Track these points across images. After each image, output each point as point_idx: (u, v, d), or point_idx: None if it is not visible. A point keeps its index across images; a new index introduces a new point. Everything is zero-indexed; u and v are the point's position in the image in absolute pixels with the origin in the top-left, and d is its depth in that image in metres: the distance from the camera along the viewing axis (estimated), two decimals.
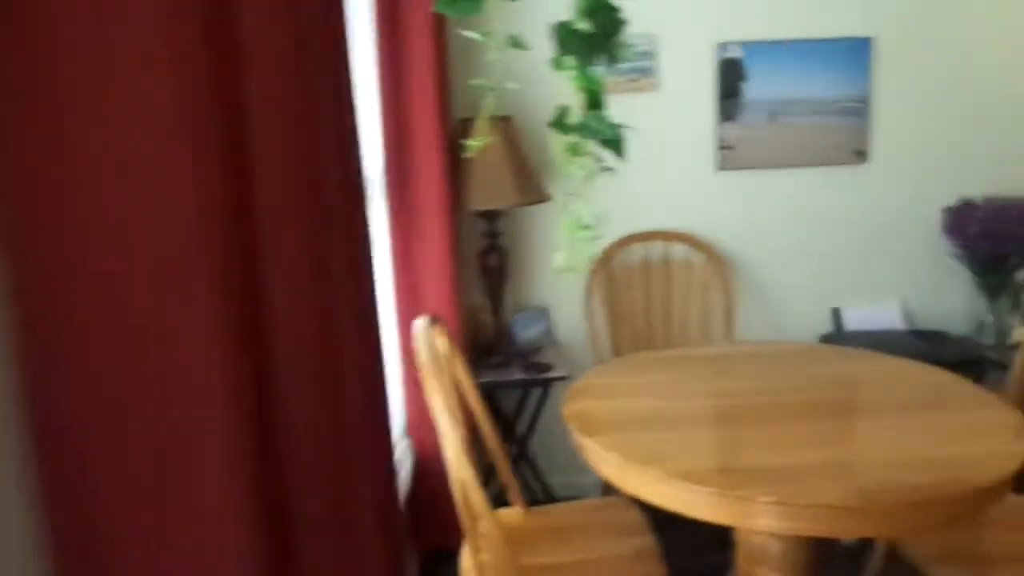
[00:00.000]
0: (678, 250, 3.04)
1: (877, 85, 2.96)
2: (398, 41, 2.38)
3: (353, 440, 1.24)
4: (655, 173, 2.99)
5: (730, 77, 2.93)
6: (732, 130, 2.96)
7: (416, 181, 2.47)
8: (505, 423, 3.06)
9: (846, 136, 2.98)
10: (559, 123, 1.49)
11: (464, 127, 2.65)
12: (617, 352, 3.01)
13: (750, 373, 2.06)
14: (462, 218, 2.91)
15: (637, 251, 3.04)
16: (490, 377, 2.70)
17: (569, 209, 1.59)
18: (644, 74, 2.91)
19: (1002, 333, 2.95)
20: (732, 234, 3.05)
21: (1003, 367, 2.78)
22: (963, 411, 1.78)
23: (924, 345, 2.85)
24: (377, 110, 2.38)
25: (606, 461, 1.66)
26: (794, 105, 2.94)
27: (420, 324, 1.84)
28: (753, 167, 2.99)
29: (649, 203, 3.01)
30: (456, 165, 2.65)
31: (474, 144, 1.47)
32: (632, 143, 2.94)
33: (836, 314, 3.11)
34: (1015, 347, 2.81)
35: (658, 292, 3.06)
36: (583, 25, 1.48)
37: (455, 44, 2.66)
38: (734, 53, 2.91)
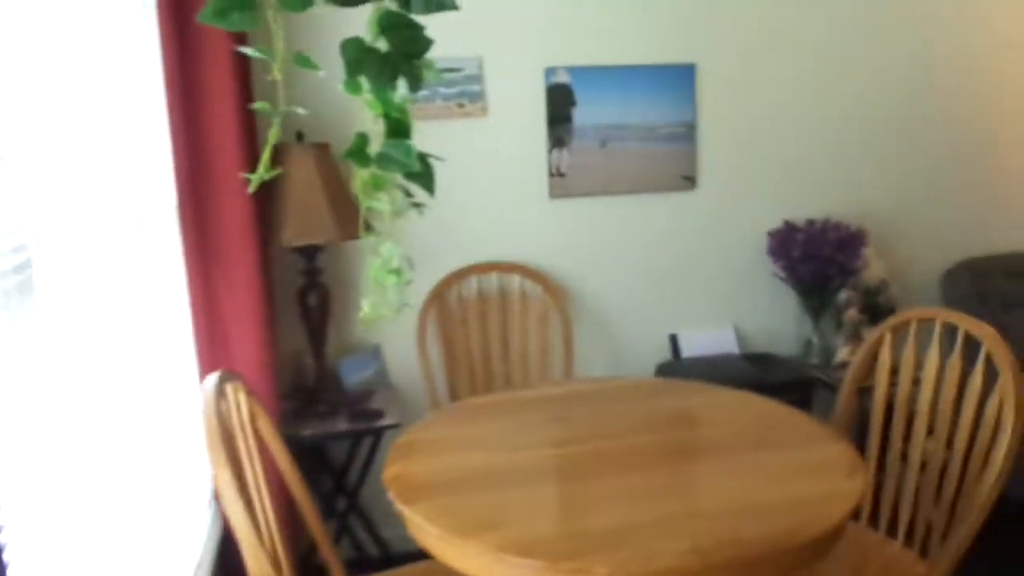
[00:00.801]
0: (514, 281, 2.92)
1: (702, 111, 2.98)
2: (190, 56, 2.10)
3: None
4: (487, 202, 2.85)
5: (559, 102, 2.85)
6: (563, 157, 2.88)
7: (218, 216, 2.19)
8: (335, 474, 2.80)
9: (675, 162, 2.97)
10: (356, 153, 1.30)
11: (280, 155, 2.41)
12: (454, 393, 2.84)
13: (586, 416, 1.94)
14: (276, 255, 2.64)
15: (471, 284, 2.89)
16: (313, 429, 2.44)
17: (376, 251, 1.40)
18: (472, 99, 2.77)
19: (827, 353, 3.02)
20: (567, 263, 2.96)
21: (831, 387, 2.84)
22: (796, 447, 1.73)
23: (756, 369, 2.87)
24: (167, 135, 2.09)
25: (425, 531, 1.47)
26: (623, 131, 2.91)
27: (209, 385, 1.57)
28: (586, 194, 2.92)
29: (482, 233, 2.87)
30: (268, 198, 2.40)
31: (253, 177, 1.26)
32: (462, 171, 2.80)
33: (673, 340, 3.09)
34: (841, 367, 2.88)
35: (495, 326, 2.92)
36: (379, 44, 1.30)
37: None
38: (562, 78, 2.83)
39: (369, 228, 2.39)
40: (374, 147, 1.36)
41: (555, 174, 2.89)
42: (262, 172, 1.27)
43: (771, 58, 3.00)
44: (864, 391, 2.28)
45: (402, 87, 1.29)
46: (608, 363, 3.07)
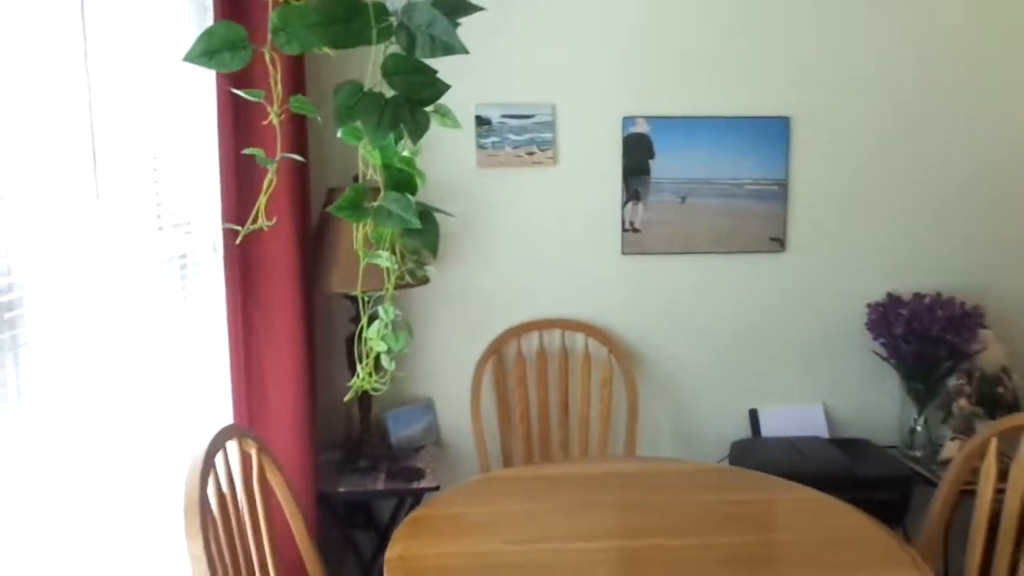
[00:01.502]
0: (578, 341, 2.73)
1: (796, 168, 2.72)
2: (243, 100, 2.07)
3: None
4: (554, 255, 2.69)
5: (637, 153, 2.67)
6: (639, 211, 2.69)
7: (262, 261, 2.14)
8: (379, 532, 2.67)
9: (762, 221, 2.72)
10: (349, 207, 1.18)
11: (332, 197, 2.35)
12: (507, 456, 2.66)
13: (627, 505, 1.73)
14: (326, 301, 2.57)
15: (533, 340, 2.72)
16: (349, 486, 2.33)
17: (376, 315, 1.27)
18: (543, 147, 2.64)
19: (933, 445, 2.65)
20: (637, 325, 2.75)
21: (933, 484, 2.47)
22: (866, 570, 1.45)
23: (846, 457, 2.54)
24: (217, 178, 2.06)
25: None
26: (706, 186, 2.69)
27: (199, 449, 1.47)
28: (661, 252, 2.71)
29: (547, 287, 2.71)
30: (318, 243, 2.34)
31: (241, 230, 1.16)
32: (529, 221, 2.67)
33: (753, 416, 2.80)
34: (947, 463, 2.51)
35: (556, 388, 2.73)
36: (384, 88, 1.18)
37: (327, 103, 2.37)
38: (641, 128, 2.66)
39: (424, 279, 2.29)
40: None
41: (629, 229, 2.70)
42: (249, 225, 1.17)
43: (876, 111, 2.72)
44: (968, 494, 1.95)
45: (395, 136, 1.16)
46: (679, 436, 2.82)
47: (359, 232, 1.25)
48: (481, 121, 2.60)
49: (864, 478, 2.48)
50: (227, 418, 2.13)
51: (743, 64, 2.66)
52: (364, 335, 1.26)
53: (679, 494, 1.77)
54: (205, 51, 1.12)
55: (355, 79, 1.17)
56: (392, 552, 1.53)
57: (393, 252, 1.27)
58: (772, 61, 2.66)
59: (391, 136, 1.20)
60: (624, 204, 2.69)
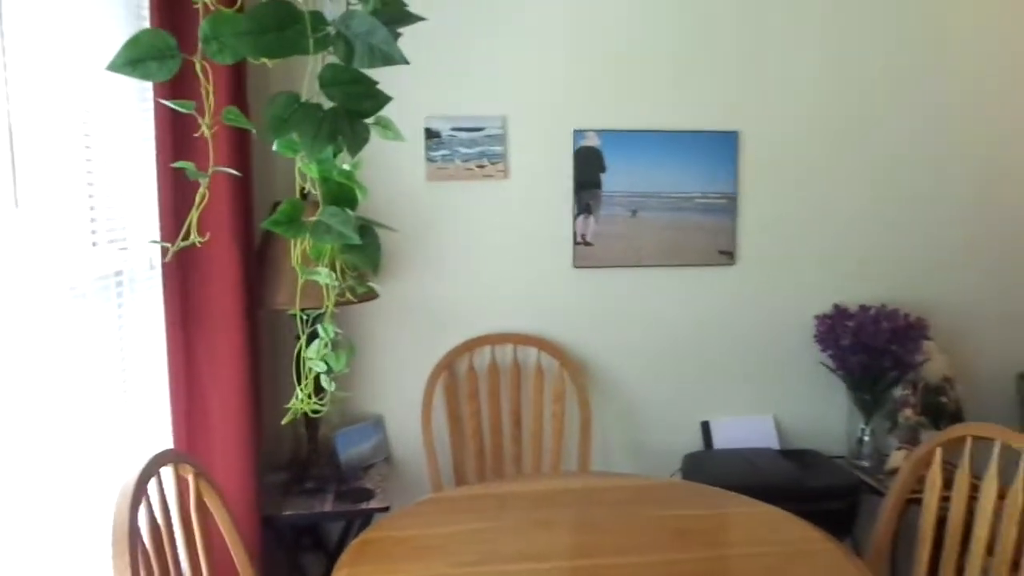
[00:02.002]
0: (530, 355, 2.71)
1: (744, 181, 2.74)
2: (181, 115, 2.01)
3: None
4: (505, 268, 2.67)
5: (588, 167, 2.67)
6: (590, 224, 2.68)
7: (203, 276, 2.07)
8: (328, 556, 2.60)
9: (712, 234, 2.74)
10: (284, 223, 1.13)
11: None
12: (459, 473, 2.62)
13: (579, 522, 1.70)
14: (272, 319, 2.51)
15: (484, 355, 2.69)
16: (295, 509, 2.26)
17: (316, 335, 1.23)
18: (493, 160, 2.61)
19: (880, 455, 2.69)
20: (590, 338, 2.73)
21: (880, 494, 2.50)
22: None
23: (796, 468, 2.56)
24: (155, 187, 1.99)
25: None
26: (656, 199, 2.70)
27: (129, 479, 1.40)
28: (613, 265, 2.71)
29: (498, 301, 2.68)
30: (263, 259, 2.28)
31: (171, 247, 1.11)
32: (479, 235, 2.64)
33: (705, 428, 2.81)
34: (894, 472, 2.55)
35: (508, 403, 2.70)
36: (322, 99, 1.15)
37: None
38: (592, 141, 2.66)
39: (373, 294, 2.24)
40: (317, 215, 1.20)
41: (580, 242, 2.69)
42: (179, 241, 1.12)
43: (823, 124, 2.76)
44: (914, 502, 1.97)
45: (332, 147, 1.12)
46: (631, 450, 2.81)
47: (297, 248, 1.21)
48: (431, 134, 2.57)
49: (813, 489, 2.50)
50: (167, 442, 2.05)
51: (693, 79, 2.68)
52: (303, 355, 1.21)
53: (630, 510, 1.75)
54: (130, 60, 1.07)
55: (294, 90, 1.13)
56: None
57: (333, 268, 1.23)
58: (721, 76, 2.69)
59: (329, 149, 1.16)
60: (576, 217, 2.68)
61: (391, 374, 2.65)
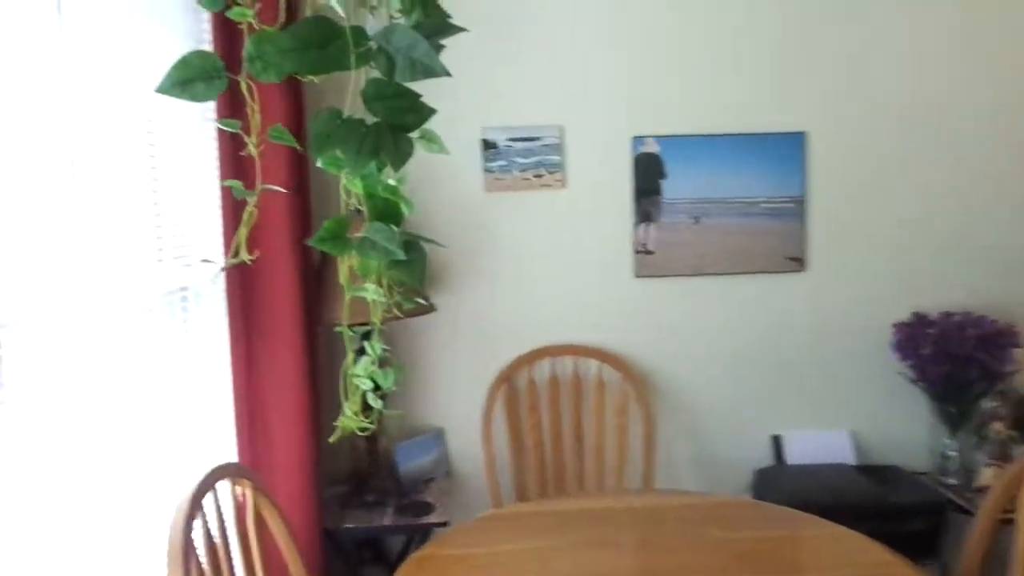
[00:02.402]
0: (591, 367, 2.65)
1: (813, 184, 2.63)
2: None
3: None
4: (564, 279, 2.63)
5: (648, 174, 2.60)
6: (651, 232, 2.62)
7: (263, 292, 2.10)
8: (390, 568, 2.60)
9: (780, 240, 2.63)
10: (329, 239, 1.12)
11: None
12: (520, 488, 2.58)
13: (636, 543, 1.64)
14: (329, 335, 2.52)
15: (544, 368, 2.65)
16: (355, 522, 2.26)
17: (361, 353, 1.21)
18: (551, 169, 2.58)
19: (967, 471, 2.53)
20: (652, 350, 2.66)
21: (969, 513, 2.35)
22: None
23: (875, 485, 2.43)
24: (218, 212, 2.03)
25: None
26: (720, 205, 2.61)
27: (184, 494, 1.41)
28: (675, 274, 2.63)
29: (557, 313, 2.64)
30: (320, 276, 2.29)
31: (221, 266, 1.12)
32: (537, 246, 2.60)
33: (776, 443, 2.70)
34: (983, 490, 2.39)
35: (569, 417, 2.65)
36: (366, 114, 1.13)
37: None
38: (651, 148, 2.59)
39: (430, 308, 2.22)
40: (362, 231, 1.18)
41: (641, 251, 2.62)
42: (230, 259, 1.13)
43: (896, 123, 2.63)
44: (1007, 523, 1.84)
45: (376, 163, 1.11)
46: (698, 465, 2.72)
47: (344, 265, 1.20)
48: (487, 145, 2.55)
49: (895, 507, 2.37)
50: (231, 453, 2.09)
51: (756, 79, 2.59)
52: (348, 372, 1.20)
53: (693, 531, 1.68)
54: (178, 81, 1.08)
55: (336, 107, 1.12)
56: None
57: (380, 284, 1.22)
58: (786, 75, 2.59)
59: (373, 164, 1.15)
60: (636, 226, 2.62)
61: (451, 387, 2.64)
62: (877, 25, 2.59)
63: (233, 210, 2.00)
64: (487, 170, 2.56)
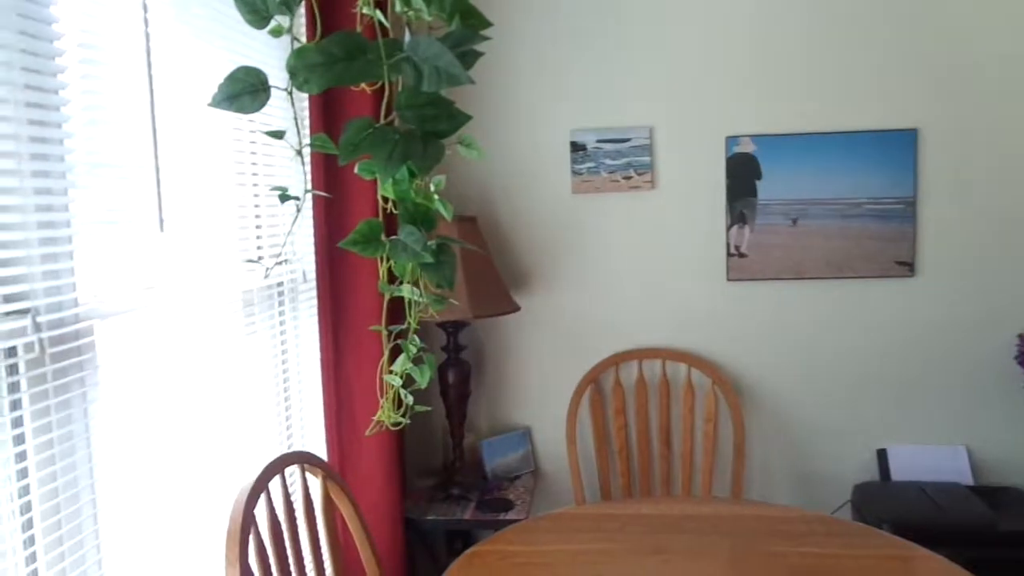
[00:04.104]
0: (680, 372, 2.60)
1: (925, 184, 2.46)
2: (332, 116, 2.17)
3: None
4: (654, 281, 2.59)
5: (742, 175, 2.52)
6: (745, 235, 2.53)
7: (352, 285, 2.22)
8: None
9: (887, 243, 2.48)
10: (361, 242, 1.19)
11: None
12: (605, 490, 2.58)
13: (694, 552, 1.61)
14: (420, 330, 2.62)
15: (632, 370, 2.63)
16: (437, 514, 2.34)
17: (397, 351, 1.27)
18: (640, 171, 2.55)
19: None
20: (745, 356, 2.58)
21: None
22: None
23: (988, 507, 2.24)
24: (311, 213, 2.17)
25: None
26: (820, 207, 2.49)
27: (248, 479, 1.53)
28: (771, 278, 2.53)
29: (647, 316, 2.61)
30: None
31: (268, 268, 1.20)
32: (627, 248, 2.59)
33: (882, 456, 2.54)
34: None
35: (656, 421, 2.62)
36: (400, 121, 1.19)
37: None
38: (746, 148, 2.51)
39: (513, 307, 2.25)
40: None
41: (734, 254, 2.55)
42: (275, 262, 1.21)
43: (1016, 117, 2.40)
44: None
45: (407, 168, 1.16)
46: (795, 477, 2.60)
47: (383, 267, 1.26)
48: (576, 147, 2.56)
49: (1009, 534, 2.17)
50: (320, 445, 2.22)
51: (861, 73, 2.45)
52: (383, 369, 1.26)
53: (753, 542, 1.63)
54: (227, 96, 1.17)
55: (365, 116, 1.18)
56: None
57: (416, 285, 1.27)
58: (895, 68, 2.43)
59: (404, 170, 1.20)
60: (729, 228, 2.54)
61: (538, 386, 2.67)
62: (995, 11, 2.38)
63: (325, 211, 2.13)
64: (575, 172, 2.57)
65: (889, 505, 2.31)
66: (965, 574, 1.48)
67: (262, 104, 1.18)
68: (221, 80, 1.17)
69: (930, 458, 2.52)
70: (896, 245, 2.48)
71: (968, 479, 2.47)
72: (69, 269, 1.28)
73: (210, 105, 1.18)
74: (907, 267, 2.48)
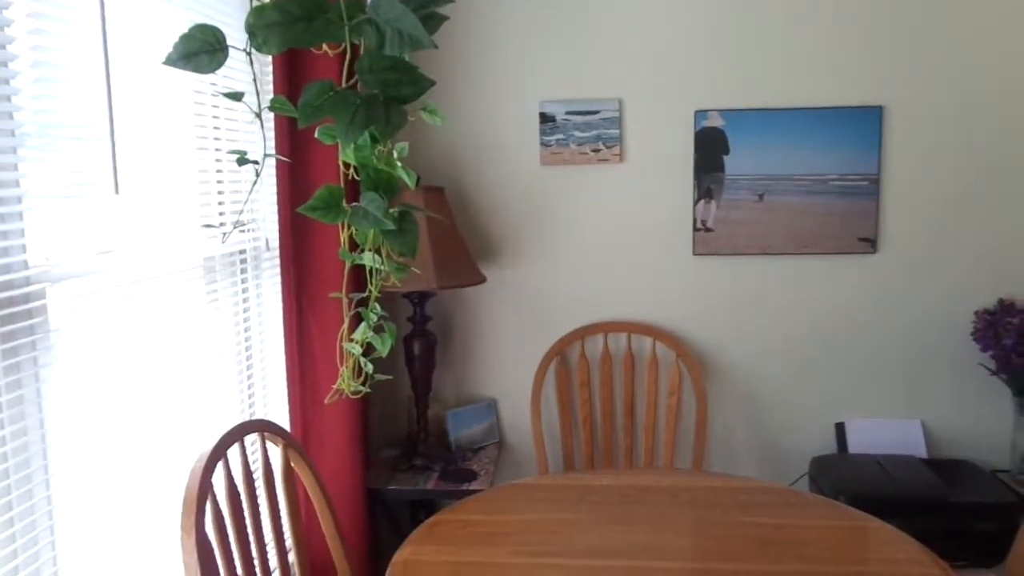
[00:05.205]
0: (645, 345, 2.62)
1: (890, 161, 2.48)
2: (296, 79, 2.12)
3: None
4: (621, 255, 2.60)
5: (710, 149, 2.52)
6: (711, 209, 2.54)
7: (316, 253, 2.19)
8: None
9: (850, 220, 2.50)
10: (321, 208, 1.16)
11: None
12: (568, 462, 2.60)
13: (655, 522, 1.63)
14: (384, 300, 2.60)
15: (597, 343, 2.64)
16: (399, 484, 2.34)
17: (359, 319, 1.25)
18: (609, 144, 2.54)
19: None
20: (709, 330, 2.60)
21: None
22: None
23: (941, 480, 2.29)
24: (274, 178, 2.13)
25: None
26: (786, 182, 2.50)
27: (206, 448, 1.51)
28: (736, 253, 2.55)
29: (613, 289, 2.61)
30: None
31: (225, 233, 1.18)
32: (594, 220, 2.58)
33: (840, 430, 2.59)
34: None
35: (621, 393, 2.64)
36: (363, 86, 1.16)
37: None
38: (715, 122, 2.51)
39: (480, 279, 2.24)
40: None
41: (701, 228, 2.56)
42: (233, 227, 1.19)
43: (982, 97, 2.43)
44: None
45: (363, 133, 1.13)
46: (756, 450, 2.65)
47: (345, 234, 1.24)
48: (545, 118, 2.54)
49: (959, 505, 2.23)
50: (282, 413, 2.20)
51: (829, 50, 2.45)
52: (343, 338, 1.25)
53: (715, 513, 1.65)
54: (183, 55, 1.13)
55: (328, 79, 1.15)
56: (399, 556, 1.51)
57: (378, 253, 1.25)
58: (863, 45, 2.44)
59: (366, 136, 1.18)
60: (696, 202, 2.55)
61: (504, 358, 2.67)
62: None
63: (289, 182, 2.09)
64: (544, 144, 2.56)
65: (845, 477, 2.36)
66: (915, 543, 1.52)
67: (219, 64, 1.14)
68: (176, 38, 1.14)
69: (887, 432, 2.57)
70: (859, 222, 2.50)
71: (922, 452, 2.53)
72: (18, 230, 1.24)
73: (164, 63, 1.14)
74: (869, 243, 2.51)
